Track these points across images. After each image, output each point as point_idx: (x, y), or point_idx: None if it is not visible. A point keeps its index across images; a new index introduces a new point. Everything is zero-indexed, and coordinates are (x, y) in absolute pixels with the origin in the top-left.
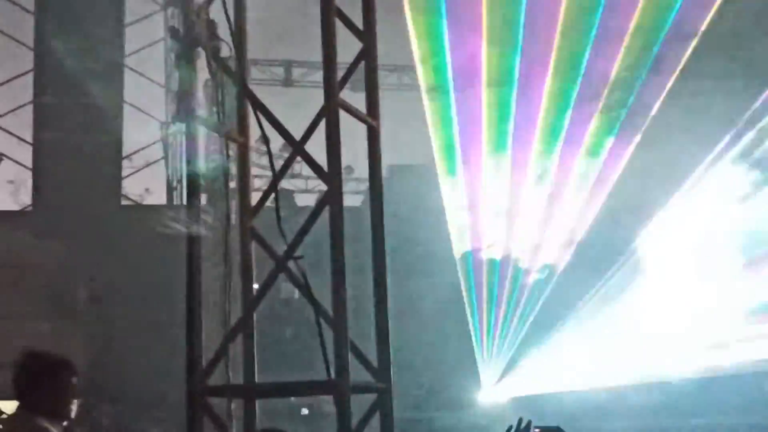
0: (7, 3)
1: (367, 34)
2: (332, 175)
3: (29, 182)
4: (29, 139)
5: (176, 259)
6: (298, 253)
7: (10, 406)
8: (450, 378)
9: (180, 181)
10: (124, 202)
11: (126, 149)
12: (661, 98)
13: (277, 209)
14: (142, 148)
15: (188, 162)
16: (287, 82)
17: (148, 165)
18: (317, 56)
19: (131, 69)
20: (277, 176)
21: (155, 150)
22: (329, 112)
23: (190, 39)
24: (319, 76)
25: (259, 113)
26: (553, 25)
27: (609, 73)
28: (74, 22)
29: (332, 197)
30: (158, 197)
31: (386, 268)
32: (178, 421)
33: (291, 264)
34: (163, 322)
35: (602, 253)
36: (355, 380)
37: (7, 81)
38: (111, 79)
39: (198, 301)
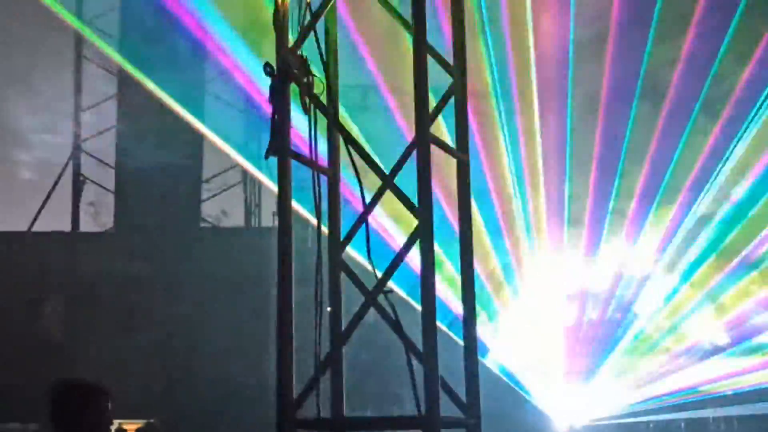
0: (92, 29)
1: (457, 69)
2: (423, 210)
3: (110, 204)
4: (111, 162)
5: (254, 281)
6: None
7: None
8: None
9: (258, 205)
10: (202, 225)
11: (205, 173)
12: None
13: (368, 242)
14: (222, 172)
15: (281, 194)
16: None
17: (227, 188)
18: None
19: (212, 94)
20: (367, 209)
21: (232, 173)
22: (420, 147)
23: (283, 74)
24: (395, 101)
25: (350, 147)
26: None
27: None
28: (156, 49)
29: (424, 232)
30: (235, 220)
31: (474, 297)
32: None
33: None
34: (239, 343)
35: None
36: (445, 415)
37: (92, 106)
38: (192, 103)
39: (289, 332)
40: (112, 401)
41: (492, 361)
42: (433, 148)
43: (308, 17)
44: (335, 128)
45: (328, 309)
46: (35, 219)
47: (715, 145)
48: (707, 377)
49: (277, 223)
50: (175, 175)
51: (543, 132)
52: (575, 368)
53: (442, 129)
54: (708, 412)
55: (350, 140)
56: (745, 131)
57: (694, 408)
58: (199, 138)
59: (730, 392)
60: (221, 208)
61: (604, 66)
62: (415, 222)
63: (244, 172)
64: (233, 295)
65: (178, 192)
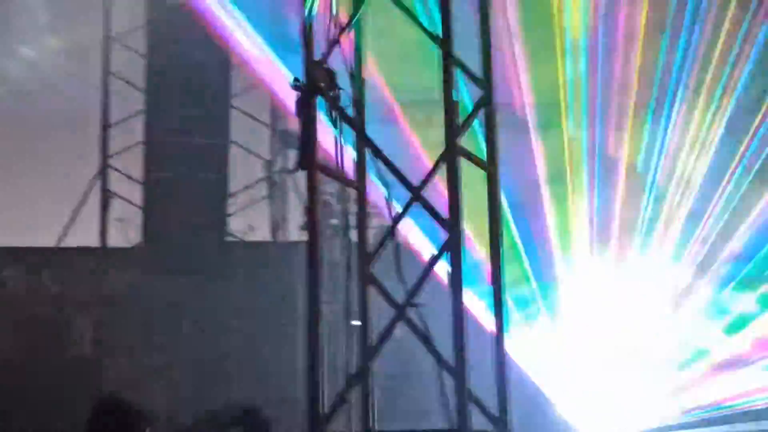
0: (119, 46)
1: (485, 81)
2: (452, 222)
3: (137, 220)
4: (138, 177)
5: (281, 296)
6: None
7: None
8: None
9: (284, 219)
10: (228, 239)
11: (231, 187)
12: None
13: (397, 255)
14: (248, 187)
15: (310, 208)
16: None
17: (254, 203)
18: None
19: (237, 109)
20: (395, 222)
21: (258, 188)
22: (450, 159)
23: (310, 88)
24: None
25: (378, 160)
26: None
27: None
28: (183, 64)
29: (452, 245)
30: (260, 234)
31: (504, 312)
32: None
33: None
34: (267, 358)
35: None
36: (476, 429)
37: (119, 122)
38: (218, 118)
39: (319, 346)
40: (150, 423)
41: (528, 365)
42: None
43: (335, 30)
44: (362, 141)
45: (357, 322)
46: (63, 235)
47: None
48: (747, 389)
49: (303, 237)
50: (201, 189)
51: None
52: (608, 379)
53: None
54: (749, 426)
55: (377, 153)
56: None
57: (734, 421)
58: (226, 152)
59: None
60: (247, 223)
61: None
62: None
63: (271, 186)
64: (260, 310)
65: (205, 207)
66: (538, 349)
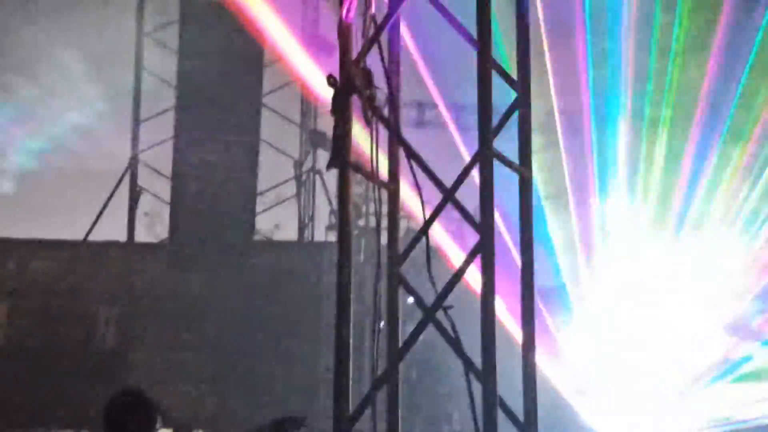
0: (151, 42)
1: (521, 84)
2: (485, 225)
3: (164, 215)
4: (167, 173)
5: (304, 294)
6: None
7: None
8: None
9: (311, 219)
10: (255, 238)
11: (259, 186)
12: None
13: (428, 258)
14: (277, 185)
15: (341, 207)
16: (419, 122)
17: (282, 201)
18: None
19: (267, 107)
20: (427, 223)
21: (287, 187)
22: (483, 162)
23: (345, 87)
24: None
25: (412, 161)
26: None
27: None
28: (214, 62)
29: (484, 248)
30: (287, 233)
31: (534, 322)
32: None
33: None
34: (291, 356)
35: None
36: None
37: (150, 118)
38: (249, 116)
39: (347, 349)
40: (160, 413)
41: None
42: None
43: (373, 29)
44: (397, 141)
45: (383, 324)
46: (91, 229)
47: None
48: None
49: (330, 238)
50: (229, 187)
51: None
52: (633, 387)
53: None
54: None
55: (411, 153)
56: None
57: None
58: (255, 150)
59: None
60: (275, 222)
61: None
62: None
63: (299, 186)
64: (285, 308)
65: (233, 204)
66: (567, 354)
